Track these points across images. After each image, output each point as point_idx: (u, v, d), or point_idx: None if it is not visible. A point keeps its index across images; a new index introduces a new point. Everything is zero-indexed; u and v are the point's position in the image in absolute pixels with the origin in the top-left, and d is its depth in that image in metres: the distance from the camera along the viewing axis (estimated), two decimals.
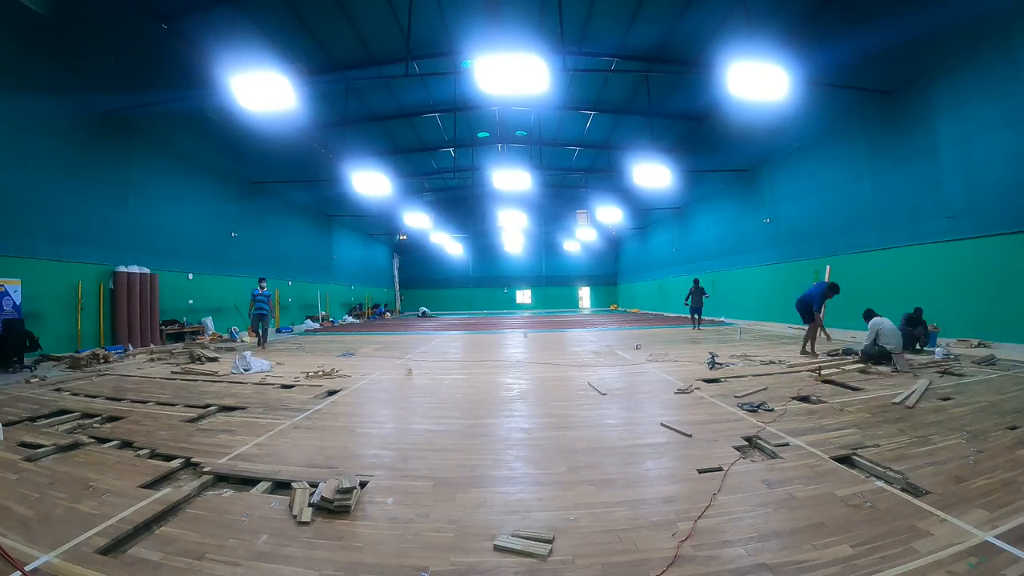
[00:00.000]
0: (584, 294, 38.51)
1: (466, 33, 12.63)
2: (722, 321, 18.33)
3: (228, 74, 8.82)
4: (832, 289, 8.78)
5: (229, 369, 7.60)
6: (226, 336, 13.97)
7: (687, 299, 15.13)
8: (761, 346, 10.27)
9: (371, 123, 18.59)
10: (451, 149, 22.95)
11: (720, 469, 3.20)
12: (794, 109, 11.38)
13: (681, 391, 5.62)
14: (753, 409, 4.66)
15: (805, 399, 5.08)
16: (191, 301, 13.88)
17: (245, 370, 7.45)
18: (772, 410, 4.64)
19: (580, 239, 34.58)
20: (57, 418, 4.74)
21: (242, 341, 13.50)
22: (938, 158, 9.67)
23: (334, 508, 2.63)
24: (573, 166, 26.50)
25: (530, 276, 37.74)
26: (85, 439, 3.98)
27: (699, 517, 2.52)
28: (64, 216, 9.92)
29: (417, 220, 24.66)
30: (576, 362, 8.38)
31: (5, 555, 2.09)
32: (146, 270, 11.75)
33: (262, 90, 8.96)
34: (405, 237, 34.30)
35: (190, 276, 14.00)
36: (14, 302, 8.60)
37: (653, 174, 14.82)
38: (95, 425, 4.50)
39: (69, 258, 10.05)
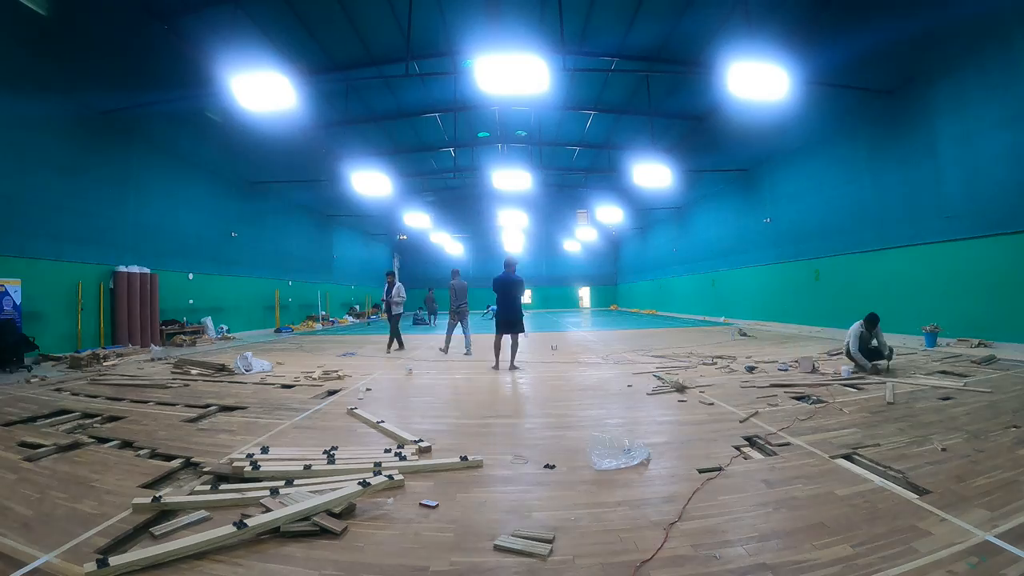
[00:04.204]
0: (584, 294, 38.51)
1: (466, 33, 12.61)
2: (722, 321, 18.33)
3: (228, 74, 8.82)
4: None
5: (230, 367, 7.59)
6: (218, 337, 13.96)
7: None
8: (780, 347, 10.24)
9: (371, 123, 18.59)
10: (451, 149, 22.94)
11: (720, 469, 3.20)
12: (794, 109, 11.37)
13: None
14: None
15: (803, 398, 5.08)
16: (191, 301, 13.88)
17: (246, 370, 7.46)
18: None
19: (580, 239, 34.57)
20: (57, 418, 4.74)
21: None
22: (938, 158, 9.67)
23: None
24: (573, 166, 26.48)
25: (530, 276, 37.64)
26: (85, 439, 3.97)
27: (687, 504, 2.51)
28: (64, 216, 9.92)
29: (417, 220, 24.65)
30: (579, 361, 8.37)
31: None
32: (146, 270, 11.74)
33: (262, 90, 8.96)
34: (405, 237, 34.28)
35: (190, 276, 14.00)
36: (14, 302, 8.60)
37: (653, 174, 14.82)
38: (95, 425, 4.49)
39: (69, 258, 10.05)
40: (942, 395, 5.02)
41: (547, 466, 3.34)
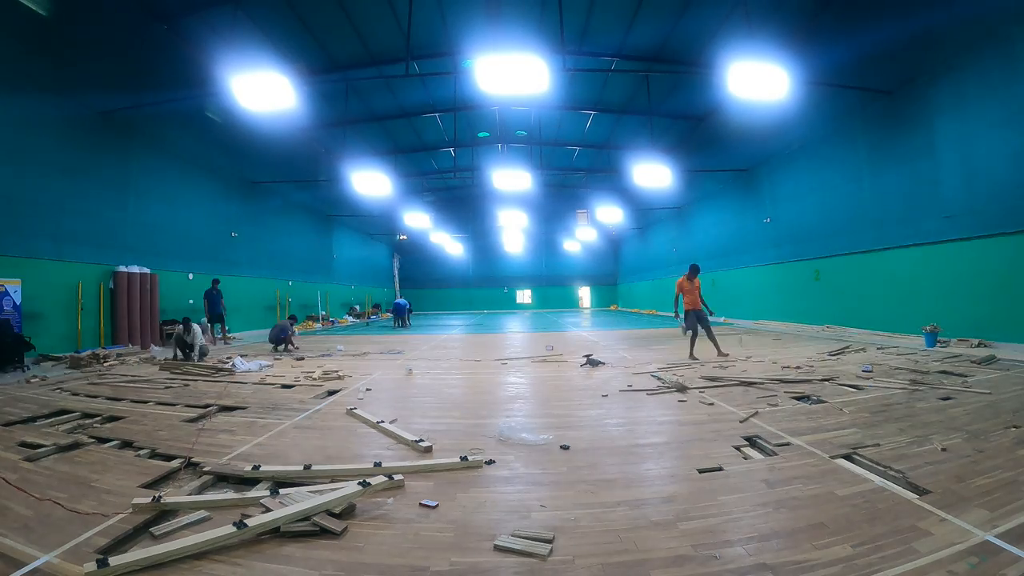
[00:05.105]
0: (584, 294, 38.53)
1: (466, 33, 12.63)
2: (721, 321, 18.32)
3: (228, 74, 8.82)
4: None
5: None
6: (219, 336, 13.92)
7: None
8: (781, 347, 10.22)
9: (371, 123, 18.60)
10: (451, 149, 22.95)
11: (720, 469, 3.20)
12: (794, 109, 11.38)
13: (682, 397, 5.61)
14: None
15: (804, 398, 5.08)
16: (191, 301, 13.88)
17: (246, 370, 7.44)
18: None
19: (580, 239, 34.59)
20: (57, 418, 4.74)
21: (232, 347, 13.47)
22: (937, 158, 9.67)
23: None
24: (573, 166, 26.50)
25: (530, 276, 37.73)
26: (85, 439, 3.97)
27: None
28: (64, 216, 9.92)
29: (417, 220, 24.67)
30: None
31: None
32: (146, 270, 11.75)
33: (262, 90, 8.97)
34: (405, 237, 34.30)
35: (190, 276, 14.01)
36: (14, 302, 8.60)
37: (653, 174, 14.83)
38: (95, 425, 4.49)
39: (69, 258, 10.05)
40: (942, 395, 5.02)
41: (547, 466, 3.34)
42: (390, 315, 29.61)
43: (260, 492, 2.85)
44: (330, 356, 9.66)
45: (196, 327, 9.12)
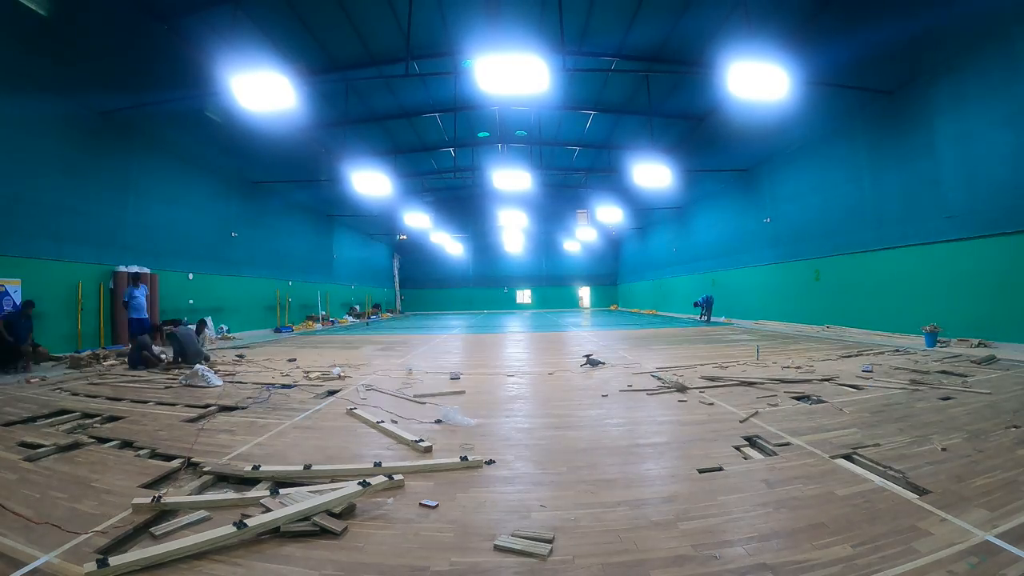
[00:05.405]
0: (584, 294, 38.54)
1: (466, 33, 12.63)
2: (722, 321, 18.31)
3: (228, 74, 8.82)
4: None
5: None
6: (219, 337, 13.94)
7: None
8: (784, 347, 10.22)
9: (371, 123, 18.60)
10: (451, 149, 22.96)
11: (720, 469, 3.20)
12: (794, 109, 11.38)
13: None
14: None
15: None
16: (191, 301, 13.89)
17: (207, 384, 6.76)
18: None
19: (580, 239, 34.60)
20: (57, 418, 4.74)
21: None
22: (938, 158, 9.67)
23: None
24: (573, 166, 26.50)
25: (530, 276, 37.73)
26: (85, 439, 3.97)
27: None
28: (64, 216, 9.93)
29: (417, 220, 24.67)
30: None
31: None
32: (146, 270, 11.74)
33: (262, 90, 8.96)
34: (405, 237, 34.30)
35: (190, 276, 14.01)
36: (14, 302, 8.60)
37: (653, 174, 14.83)
38: (95, 425, 4.49)
39: (69, 258, 10.05)
40: (942, 395, 5.02)
41: (547, 466, 3.34)
42: (390, 315, 29.64)
43: (260, 492, 2.85)
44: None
45: (180, 329, 8.55)
